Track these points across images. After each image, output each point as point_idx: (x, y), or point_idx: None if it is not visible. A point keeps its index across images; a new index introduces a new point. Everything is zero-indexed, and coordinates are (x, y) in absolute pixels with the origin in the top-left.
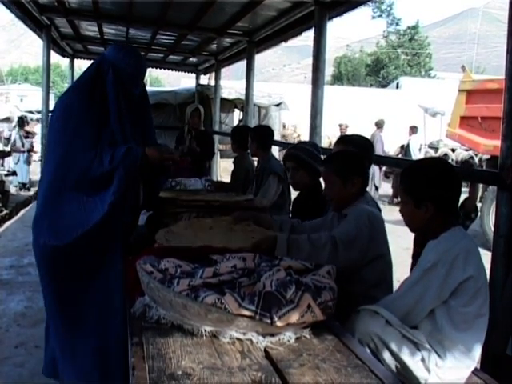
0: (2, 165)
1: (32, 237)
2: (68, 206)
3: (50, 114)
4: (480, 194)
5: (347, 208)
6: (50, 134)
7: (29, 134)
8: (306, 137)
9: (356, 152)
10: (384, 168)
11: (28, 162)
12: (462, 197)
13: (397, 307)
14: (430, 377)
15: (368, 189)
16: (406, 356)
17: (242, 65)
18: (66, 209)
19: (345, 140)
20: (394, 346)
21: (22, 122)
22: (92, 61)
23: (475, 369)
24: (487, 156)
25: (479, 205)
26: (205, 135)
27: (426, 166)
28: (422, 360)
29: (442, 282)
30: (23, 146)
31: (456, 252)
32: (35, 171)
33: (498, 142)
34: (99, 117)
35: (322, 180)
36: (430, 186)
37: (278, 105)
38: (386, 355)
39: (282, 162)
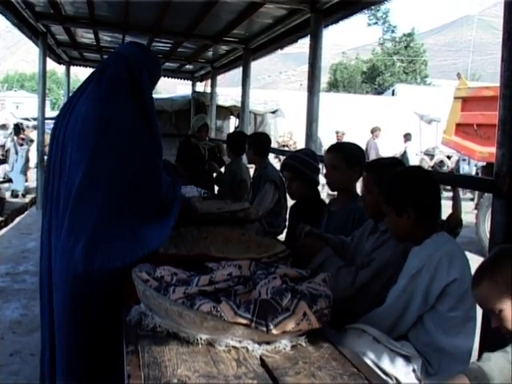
0: None
1: (80, 265)
2: (131, 226)
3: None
4: (476, 200)
5: (384, 222)
6: (99, 149)
7: (23, 141)
8: (302, 144)
9: (400, 164)
10: None
11: (24, 172)
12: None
13: (385, 317)
14: None
15: None
16: (397, 370)
17: (238, 72)
18: (129, 230)
19: (336, 147)
20: (383, 363)
21: (18, 129)
22: (92, 68)
23: None
24: (483, 163)
25: (475, 212)
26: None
27: (403, 174)
28: (414, 371)
29: (428, 287)
30: (16, 153)
31: (439, 256)
32: (30, 178)
33: (493, 149)
34: (148, 129)
35: (319, 189)
36: (408, 192)
37: (274, 112)
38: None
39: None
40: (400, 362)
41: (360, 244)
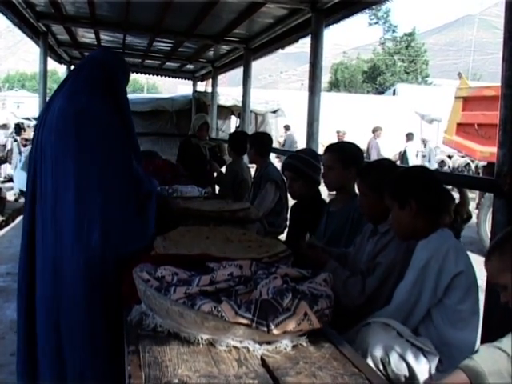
0: None
1: (97, 257)
2: (127, 217)
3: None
4: (477, 200)
5: (384, 224)
6: (82, 146)
7: (27, 142)
8: (303, 144)
9: (393, 165)
10: None
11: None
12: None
13: (397, 313)
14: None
15: None
16: (414, 364)
17: (239, 71)
18: (124, 221)
19: (333, 148)
20: (404, 356)
21: (19, 128)
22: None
23: None
24: (484, 163)
25: (476, 211)
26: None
27: (406, 170)
28: (429, 367)
29: (437, 278)
30: (20, 153)
31: (446, 248)
32: None
33: (494, 149)
34: (122, 122)
35: (320, 188)
36: (411, 185)
37: (274, 111)
38: (395, 365)
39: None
40: (418, 355)
41: (361, 248)
